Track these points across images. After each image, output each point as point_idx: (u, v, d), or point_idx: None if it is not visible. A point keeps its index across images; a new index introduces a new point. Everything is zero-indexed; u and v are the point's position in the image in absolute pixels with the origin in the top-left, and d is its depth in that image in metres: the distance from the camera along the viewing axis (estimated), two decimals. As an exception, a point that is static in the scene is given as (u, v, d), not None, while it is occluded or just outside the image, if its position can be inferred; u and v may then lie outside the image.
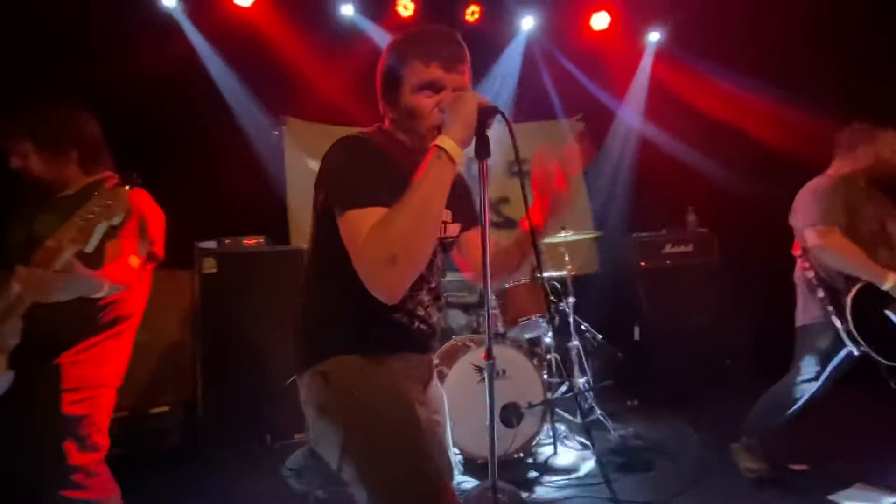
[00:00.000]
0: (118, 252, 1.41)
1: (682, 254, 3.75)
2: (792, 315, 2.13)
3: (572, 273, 3.15)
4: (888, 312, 1.83)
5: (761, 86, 3.60)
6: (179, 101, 3.51)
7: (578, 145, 1.17)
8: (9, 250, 1.46)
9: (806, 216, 1.99)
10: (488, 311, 1.03)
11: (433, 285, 1.18)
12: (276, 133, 3.97)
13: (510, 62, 4.27)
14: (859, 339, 1.83)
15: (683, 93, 4.21)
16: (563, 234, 3.09)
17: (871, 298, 1.84)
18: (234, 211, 3.45)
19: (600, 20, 4.22)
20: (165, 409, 2.96)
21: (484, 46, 4.27)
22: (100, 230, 1.24)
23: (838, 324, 1.89)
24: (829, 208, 1.94)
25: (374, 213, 0.94)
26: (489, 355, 1.04)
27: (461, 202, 1.22)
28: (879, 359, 1.82)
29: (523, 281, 2.96)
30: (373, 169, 1.02)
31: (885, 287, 1.82)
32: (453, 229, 1.22)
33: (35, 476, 1.32)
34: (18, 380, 1.27)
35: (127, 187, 1.28)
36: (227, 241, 3.20)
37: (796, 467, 2.27)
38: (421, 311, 1.13)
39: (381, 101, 1.16)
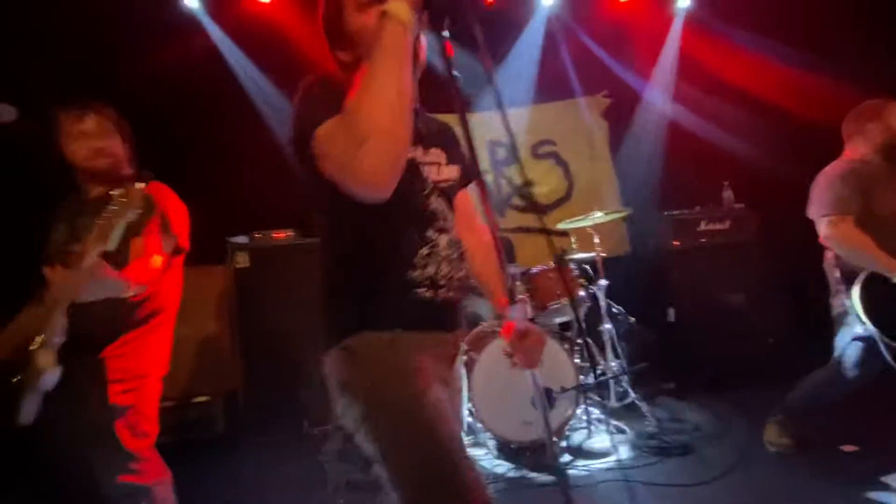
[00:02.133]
0: (141, 251, 1.45)
1: (717, 231, 3.60)
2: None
3: (603, 255, 3.08)
4: None
5: (797, 54, 3.39)
6: (205, 98, 3.59)
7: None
8: (54, 250, 1.54)
9: (818, 206, 1.95)
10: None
11: (451, 235, 1.09)
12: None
13: (530, 41, 4.15)
14: (868, 322, 1.80)
15: (715, 64, 4.00)
16: (592, 216, 3.02)
17: (883, 285, 1.80)
18: (262, 205, 3.52)
19: (626, -10, 4.04)
20: (207, 398, 3.09)
21: (504, 26, 4.16)
22: (119, 228, 1.28)
23: (848, 306, 1.88)
24: (839, 196, 1.90)
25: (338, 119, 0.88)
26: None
27: (454, 148, 1.15)
28: (891, 342, 1.78)
29: (550, 265, 2.91)
30: (331, 95, 0.94)
31: (895, 279, 1.78)
32: (450, 171, 1.12)
33: (91, 465, 1.39)
34: (66, 375, 1.34)
35: (141, 184, 1.32)
36: (258, 235, 3.28)
37: (847, 448, 2.18)
38: (443, 273, 1.05)
39: (332, 43, 1.07)
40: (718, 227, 3.60)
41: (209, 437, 3.02)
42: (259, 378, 3.07)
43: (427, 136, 1.11)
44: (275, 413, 3.04)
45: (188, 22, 3.68)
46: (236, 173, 3.49)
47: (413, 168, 1.03)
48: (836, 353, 2.01)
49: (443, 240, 1.06)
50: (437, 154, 1.11)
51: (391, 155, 0.85)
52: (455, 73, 0.96)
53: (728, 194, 3.72)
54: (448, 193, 1.11)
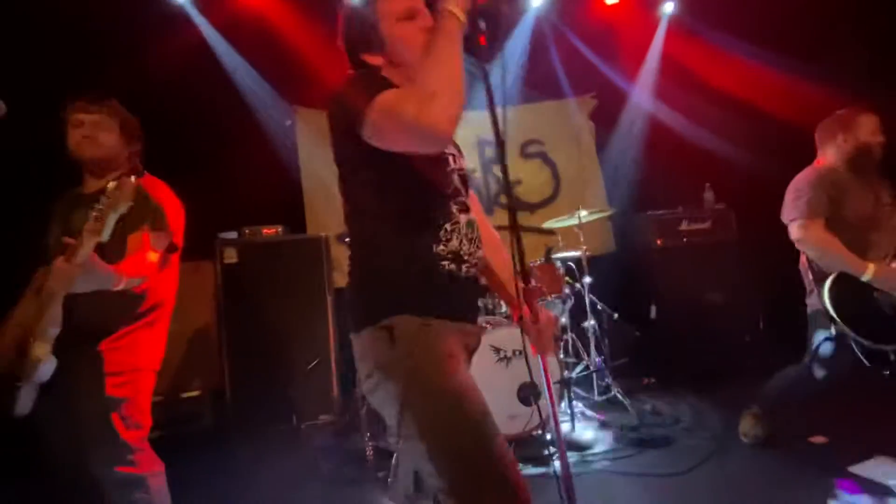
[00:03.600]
0: (138, 245, 1.47)
1: (698, 231, 3.71)
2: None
3: (588, 253, 3.16)
4: (877, 296, 1.85)
5: (778, 58, 3.50)
6: (194, 93, 3.57)
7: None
8: (49, 246, 1.55)
9: (790, 210, 2.03)
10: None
11: (470, 216, 1.17)
12: (289, 123, 4.01)
13: (519, 40, 4.21)
14: (838, 320, 1.86)
15: (697, 67, 4.10)
16: (577, 214, 3.09)
17: (853, 283, 1.87)
18: (251, 201, 3.52)
19: (612, -6, 4.12)
20: (196, 393, 3.10)
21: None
22: (111, 220, 1.30)
23: (818, 304, 1.95)
24: (809, 201, 1.97)
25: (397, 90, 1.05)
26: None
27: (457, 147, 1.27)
28: (861, 340, 1.84)
29: (538, 261, 2.98)
30: (378, 79, 1.11)
31: (865, 278, 1.85)
32: (463, 161, 1.25)
33: (88, 455, 1.41)
34: (63, 366, 1.36)
35: (133, 178, 1.34)
36: (247, 231, 3.28)
37: (815, 440, 2.28)
38: (466, 249, 1.13)
39: (360, 47, 1.18)
40: (699, 226, 3.71)
41: (198, 431, 3.03)
42: (247, 373, 3.08)
43: None
44: (263, 408, 3.06)
45: (177, 16, 3.65)
46: (226, 168, 3.49)
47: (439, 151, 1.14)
48: (810, 352, 2.08)
49: (463, 218, 1.15)
50: (452, 146, 1.23)
51: (456, 107, 0.99)
52: (486, 66, 1.12)
53: (709, 195, 3.83)
54: (464, 179, 1.22)
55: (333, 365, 3.24)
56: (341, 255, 3.74)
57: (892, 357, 1.83)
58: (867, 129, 2.03)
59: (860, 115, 2.04)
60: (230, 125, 3.71)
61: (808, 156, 2.19)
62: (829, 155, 2.09)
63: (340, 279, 3.82)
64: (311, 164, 4.08)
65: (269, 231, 3.29)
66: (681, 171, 4.02)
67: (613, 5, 4.16)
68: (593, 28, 4.24)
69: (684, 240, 3.69)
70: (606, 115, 4.37)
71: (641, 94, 4.29)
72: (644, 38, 4.32)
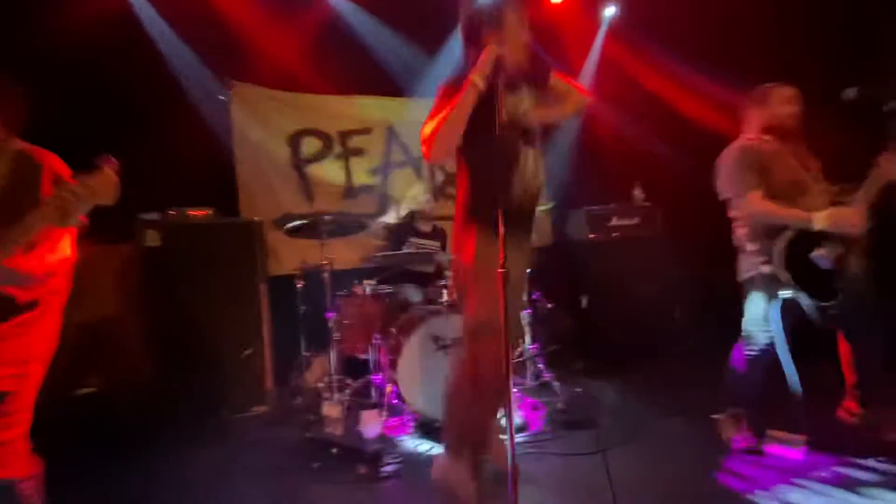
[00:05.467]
0: (48, 233, 1.34)
1: (627, 226, 3.95)
2: (731, 283, 2.27)
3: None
4: (814, 256, 1.99)
5: (705, 68, 3.76)
6: (116, 62, 3.25)
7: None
8: None
9: (727, 188, 2.16)
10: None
11: (535, 149, 1.82)
12: (223, 98, 3.76)
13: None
14: (790, 281, 1.98)
15: (632, 71, 4.33)
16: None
17: (797, 247, 2.00)
18: (180, 182, 3.29)
19: (558, -8, 4.23)
20: (96, 389, 2.84)
21: (443, 16, 4.17)
22: None
23: (767, 269, 2.05)
24: (741, 177, 2.09)
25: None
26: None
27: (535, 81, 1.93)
28: (808, 298, 1.97)
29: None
30: (441, 101, 1.79)
31: (816, 226, 1.96)
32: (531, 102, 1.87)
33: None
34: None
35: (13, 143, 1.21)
36: (173, 212, 3.05)
37: (717, 416, 2.46)
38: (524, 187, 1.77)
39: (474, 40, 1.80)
40: (628, 222, 3.96)
41: (113, 429, 2.80)
42: (169, 365, 2.88)
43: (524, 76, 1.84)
44: (188, 402, 2.88)
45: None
46: (150, 146, 3.22)
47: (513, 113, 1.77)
48: (745, 318, 2.16)
49: (529, 154, 1.78)
50: (526, 91, 1.84)
51: (445, 150, 1.74)
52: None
53: (638, 193, 4.08)
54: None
55: (267, 355, 3.12)
56: (277, 241, 3.60)
57: (832, 311, 1.98)
58: (780, 99, 2.14)
59: (775, 89, 2.17)
60: (156, 98, 3.42)
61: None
62: (749, 131, 2.22)
63: (275, 266, 3.67)
64: (246, 144, 3.87)
65: (197, 213, 3.08)
66: (613, 170, 4.25)
67: (558, 4, 4.28)
68: (537, 25, 4.33)
69: (614, 234, 3.91)
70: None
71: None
72: (586, 39, 4.49)
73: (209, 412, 2.92)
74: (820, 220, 1.95)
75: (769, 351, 2.10)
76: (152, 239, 2.96)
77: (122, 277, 3.00)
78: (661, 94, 4.24)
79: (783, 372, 2.05)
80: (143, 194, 3.11)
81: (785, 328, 2.05)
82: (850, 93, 1.99)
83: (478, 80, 1.63)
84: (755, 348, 2.15)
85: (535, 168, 1.80)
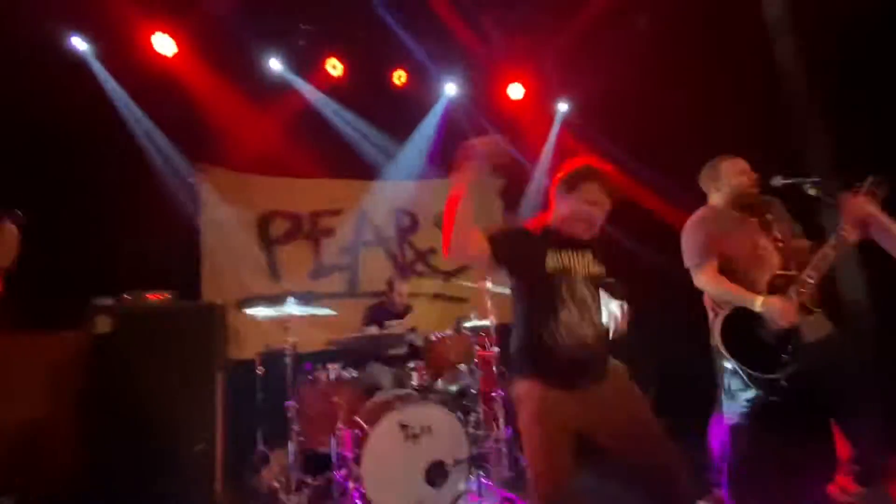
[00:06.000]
0: None
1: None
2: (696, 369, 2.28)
3: (495, 322, 3.22)
4: (760, 330, 1.99)
5: (646, 157, 4.08)
6: (83, 140, 3.30)
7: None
8: None
9: (687, 257, 2.20)
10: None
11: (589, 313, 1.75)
12: (193, 181, 3.79)
13: (434, 123, 4.53)
14: (727, 354, 1.99)
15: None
16: (487, 285, 3.18)
17: (742, 320, 2.01)
18: (141, 264, 3.20)
19: (516, 90, 4.64)
20: (14, 499, 2.48)
21: (411, 108, 4.48)
22: None
23: (713, 341, 2.06)
24: (698, 245, 2.14)
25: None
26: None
27: (600, 253, 1.86)
28: (749, 370, 1.96)
29: (448, 332, 2.97)
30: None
31: (756, 308, 1.97)
32: (595, 267, 1.81)
33: None
34: None
35: None
36: (128, 296, 2.91)
37: None
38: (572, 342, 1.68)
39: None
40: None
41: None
42: (109, 466, 2.57)
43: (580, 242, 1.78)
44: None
45: (74, 64, 3.42)
46: (109, 227, 3.17)
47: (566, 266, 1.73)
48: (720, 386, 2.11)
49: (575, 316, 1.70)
50: (587, 256, 1.79)
51: (457, 248, 1.66)
52: None
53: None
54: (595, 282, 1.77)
55: (220, 452, 2.84)
56: (240, 323, 3.46)
57: (782, 384, 1.94)
58: (733, 172, 2.18)
59: (722, 162, 2.24)
60: (121, 179, 3.43)
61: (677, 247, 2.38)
62: (713, 200, 2.28)
63: (237, 350, 3.49)
64: (214, 226, 3.85)
65: (154, 297, 2.94)
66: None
67: (517, 101, 4.68)
68: (501, 116, 4.69)
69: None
70: (512, 195, 4.77)
71: (541, 177, 4.75)
72: (544, 128, 4.86)
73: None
74: (759, 305, 1.98)
75: (744, 423, 2.05)
76: (103, 325, 2.78)
77: (62, 368, 2.77)
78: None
79: (768, 448, 1.99)
80: (100, 278, 3.01)
81: (755, 402, 2.01)
82: (777, 180, 2.12)
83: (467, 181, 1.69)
84: (731, 419, 2.08)
85: (581, 317, 1.70)
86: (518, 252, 1.73)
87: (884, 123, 2.83)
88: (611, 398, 1.70)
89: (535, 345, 1.67)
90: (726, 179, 2.21)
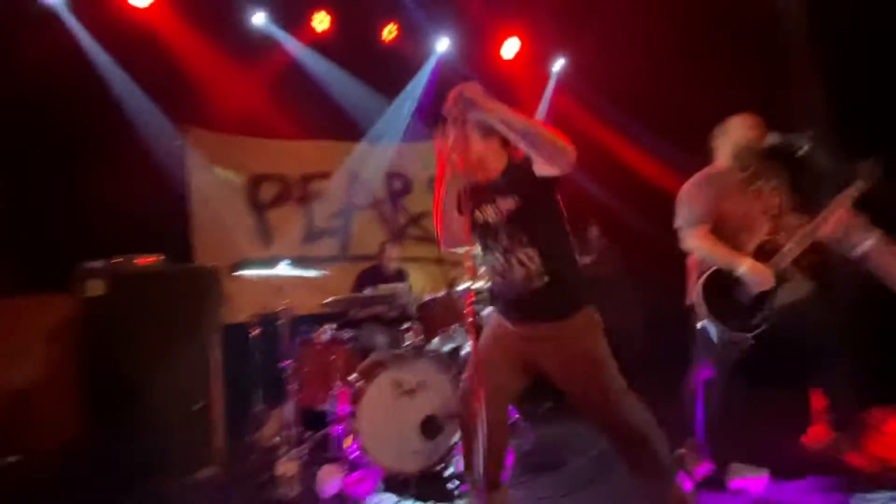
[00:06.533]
0: None
1: (584, 265, 4.04)
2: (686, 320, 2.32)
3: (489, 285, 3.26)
4: (736, 290, 2.07)
5: (643, 117, 4.04)
6: (65, 103, 3.17)
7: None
8: None
9: (678, 218, 2.22)
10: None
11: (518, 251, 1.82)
12: (179, 143, 3.69)
13: (424, 81, 4.41)
14: (706, 311, 2.07)
15: (578, 122, 4.60)
16: (477, 249, 3.20)
17: (722, 279, 2.08)
18: (129, 228, 3.15)
19: (510, 48, 4.49)
20: (19, 458, 2.54)
21: (400, 64, 4.35)
22: None
23: (692, 300, 2.14)
24: (692, 209, 2.16)
25: None
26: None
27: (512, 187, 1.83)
28: (726, 328, 2.05)
29: (442, 293, 3.02)
30: None
31: (739, 272, 2.04)
32: (509, 203, 1.80)
33: None
34: None
35: None
36: (118, 260, 2.89)
37: (681, 451, 2.45)
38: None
39: None
40: (584, 260, 4.05)
41: (43, 499, 2.49)
42: (108, 427, 2.62)
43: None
44: (127, 466, 2.62)
45: (47, 18, 3.24)
46: (98, 190, 3.10)
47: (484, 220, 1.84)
48: (697, 355, 2.20)
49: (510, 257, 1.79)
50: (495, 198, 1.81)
51: (452, 239, 1.90)
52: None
53: (592, 231, 4.23)
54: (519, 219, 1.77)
55: (218, 410, 2.91)
56: (233, 287, 3.46)
57: (751, 342, 2.06)
58: (743, 126, 2.16)
59: (734, 118, 2.23)
60: (107, 143, 3.32)
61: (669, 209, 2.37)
62: (718, 158, 2.27)
63: (230, 315, 3.51)
64: (202, 189, 3.78)
65: (144, 260, 2.92)
66: (568, 210, 4.39)
67: (510, 60, 4.55)
68: (492, 77, 4.58)
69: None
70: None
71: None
72: (537, 90, 4.76)
73: (151, 477, 2.66)
74: (741, 267, 2.05)
75: (717, 377, 2.14)
76: (94, 289, 2.77)
77: (56, 332, 2.77)
78: (607, 144, 4.50)
79: (742, 401, 2.09)
80: (89, 242, 2.97)
81: (726, 358, 2.11)
82: (773, 137, 2.13)
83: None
84: (705, 373, 2.19)
85: (507, 262, 1.81)
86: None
87: (884, 93, 2.83)
88: (567, 343, 1.83)
89: (490, 289, 1.94)
90: (733, 132, 2.21)
